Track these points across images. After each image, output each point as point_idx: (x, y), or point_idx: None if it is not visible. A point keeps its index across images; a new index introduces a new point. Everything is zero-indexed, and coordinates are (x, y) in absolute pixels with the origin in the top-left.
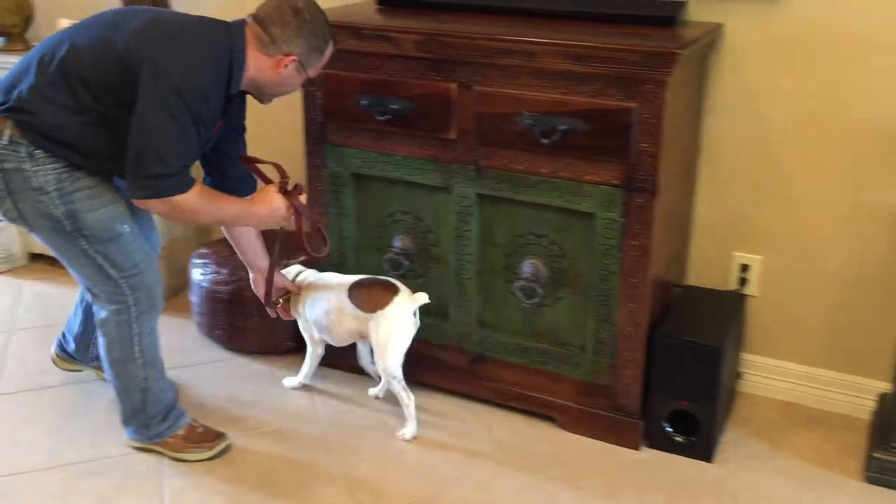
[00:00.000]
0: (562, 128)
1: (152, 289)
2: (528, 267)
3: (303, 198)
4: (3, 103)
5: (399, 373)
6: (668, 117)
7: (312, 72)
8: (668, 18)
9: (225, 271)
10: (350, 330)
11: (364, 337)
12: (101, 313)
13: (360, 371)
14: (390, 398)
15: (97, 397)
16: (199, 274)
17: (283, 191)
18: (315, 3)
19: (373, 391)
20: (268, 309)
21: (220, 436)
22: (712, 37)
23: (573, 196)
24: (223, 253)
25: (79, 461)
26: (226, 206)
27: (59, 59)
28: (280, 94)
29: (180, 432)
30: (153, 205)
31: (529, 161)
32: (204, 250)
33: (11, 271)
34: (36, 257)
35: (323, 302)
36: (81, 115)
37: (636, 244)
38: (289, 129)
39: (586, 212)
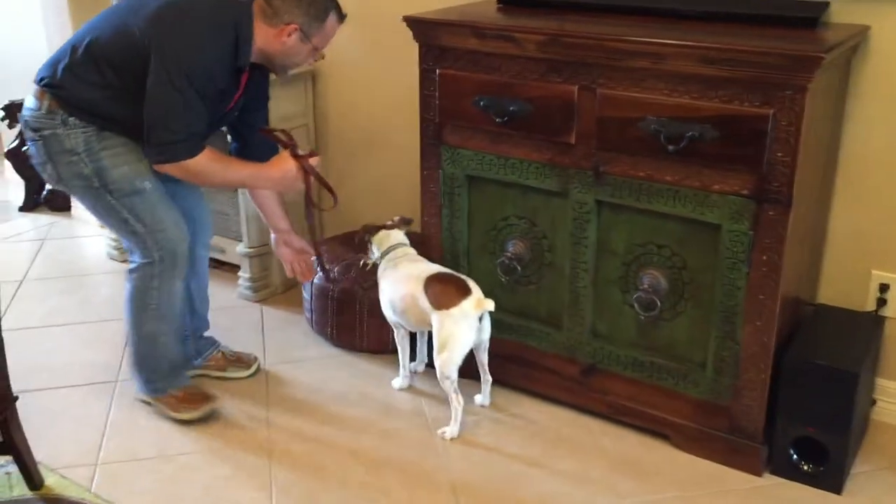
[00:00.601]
0: (690, 134)
1: (176, 249)
2: (646, 278)
3: (314, 160)
4: (43, 79)
5: (454, 374)
6: (807, 125)
7: (317, 41)
8: (809, 20)
9: (336, 269)
10: (420, 319)
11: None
12: (131, 264)
13: (475, 376)
14: (503, 406)
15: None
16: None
17: (295, 154)
18: None
19: (479, 398)
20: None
21: (208, 398)
22: (857, 40)
23: (699, 206)
24: (335, 250)
25: (191, 451)
26: (238, 169)
27: (87, 44)
28: (290, 65)
29: (178, 392)
30: (168, 168)
31: (653, 168)
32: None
33: (267, 300)
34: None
35: (402, 285)
36: (107, 90)
37: (765, 259)
38: (405, 129)
39: (712, 223)
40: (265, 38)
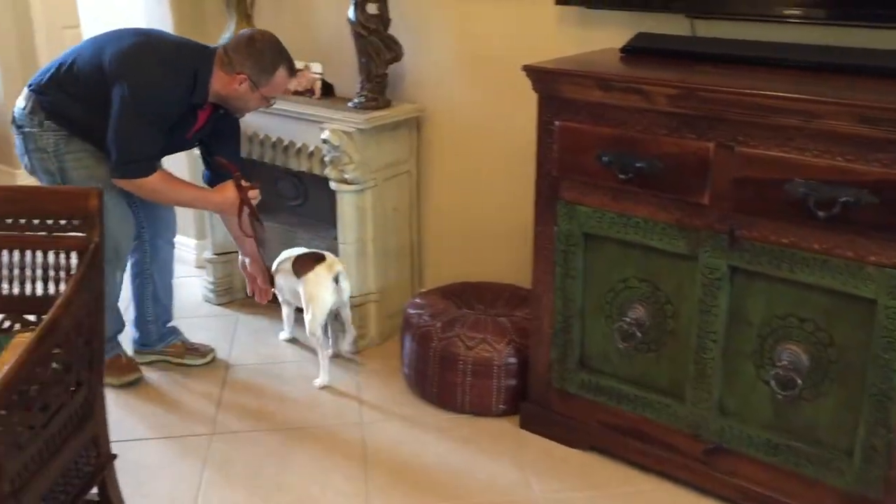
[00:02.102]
0: (844, 199)
1: (119, 244)
2: (786, 353)
3: (253, 193)
4: (32, 85)
5: (318, 331)
6: None
7: (266, 91)
8: None
9: (438, 324)
10: (294, 293)
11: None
12: None
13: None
14: (609, 483)
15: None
16: (412, 324)
17: (238, 185)
18: (270, 35)
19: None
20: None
21: (134, 369)
22: None
23: (851, 278)
24: (439, 305)
25: (294, 426)
26: (184, 191)
27: (70, 63)
28: (243, 108)
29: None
30: (123, 184)
31: (798, 234)
32: (419, 300)
33: (230, 304)
34: None
35: (279, 266)
36: (79, 103)
37: None
38: (516, 181)
39: (866, 297)
40: (221, 82)
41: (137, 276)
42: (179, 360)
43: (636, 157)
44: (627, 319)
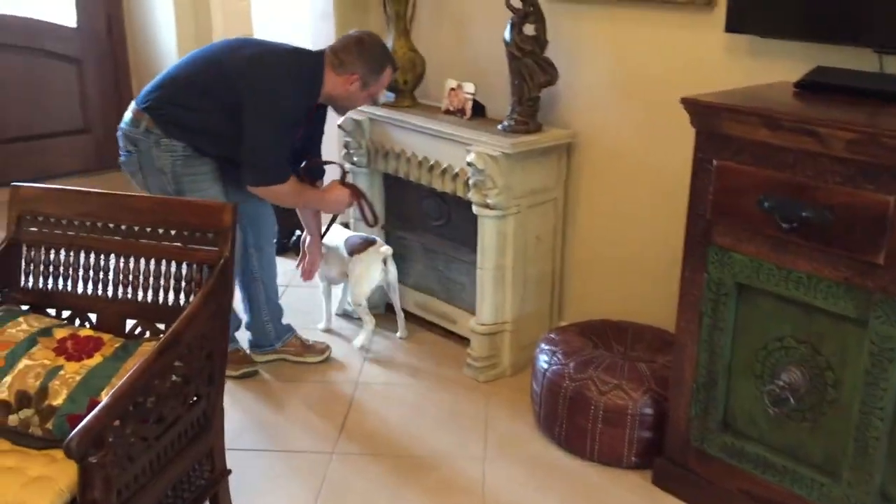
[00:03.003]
0: None
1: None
2: None
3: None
4: (144, 103)
5: (363, 301)
6: None
7: (374, 89)
8: None
9: (571, 364)
10: (341, 271)
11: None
12: None
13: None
14: None
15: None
16: (543, 361)
17: (343, 182)
18: (377, 36)
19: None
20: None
21: (251, 362)
22: None
23: None
24: (575, 342)
25: (416, 453)
26: (308, 195)
27: (185, 76)
28: (350, 106)
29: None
30: (260, 191)
31: None
32: (553, 335)
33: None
34: (392, 308)
35: (335, 251)
36: (197, 116)
37: None
38: (666, 220)
39: None
40: (333, 84)
41: (249, 283)
42: (299, 359)
43: (802, 205)
44: (780, 382)
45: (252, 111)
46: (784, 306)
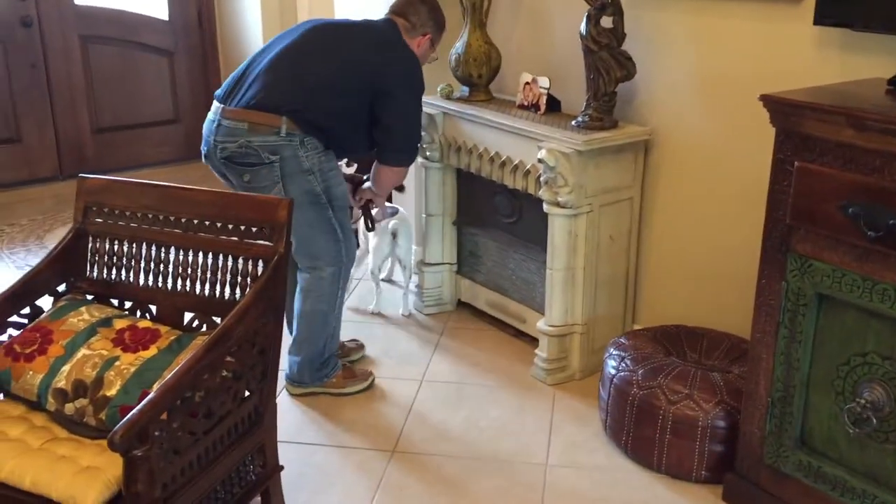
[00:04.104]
0: None
1: (355, 249)
2: None
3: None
4: (281, 106)
5: (376, 271)
6: None
7: (436, 47)
8: None
9: (641, 371)
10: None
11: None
12: (319, 273)
13: None
14: None
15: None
16: (612, 368)
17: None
18: None
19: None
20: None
21: (369, 373)
22: None
23: None
24: (646, 348)
25: (477, 456)
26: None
27: (312, 73)
28: None
29: (340, 372)
30: (400, 172)
31: None
32: (624, 340)
33: (438, 315)
34: (463, 305)
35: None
36: (330, 107)
37: None
38: (744, 223)
39: None
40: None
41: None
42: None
43: (890, 212)
44: (862, 401)
45: (399, 91)
46: (868, 319)
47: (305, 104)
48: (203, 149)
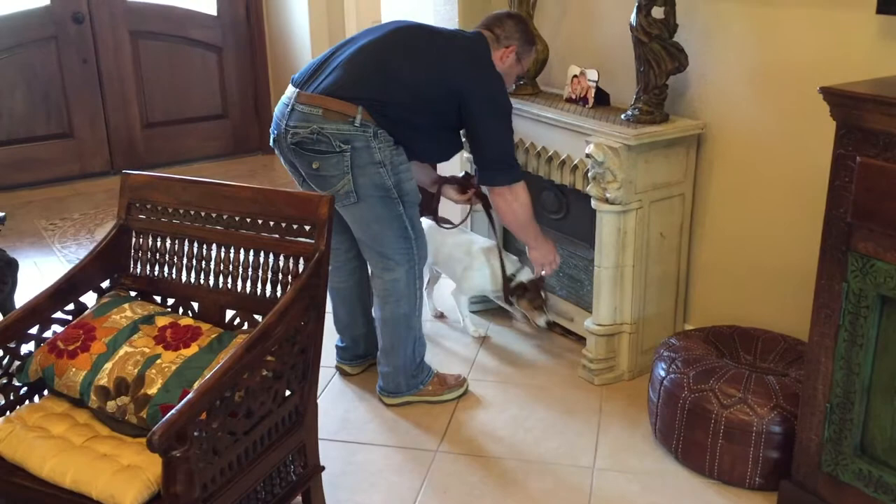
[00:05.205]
0: None
1: (426, 247)
2: None
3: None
4: (359, 97)
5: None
6: None
7: (525, 64)
8: None
9: (692, 373)
10: None
11: None
12: (392, 275)
13: None
14: None
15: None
16: (661, 369)
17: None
18: (521, 14)
19: None
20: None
21: (463, 379)
22: None
23: None
24: (697, 350)
25: (522, 458)
26: (531, 209)
27: (393, 71)
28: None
29: (434, 379)
30: (501, 191)
31: None
32: (674, 341)
33: (483, 312)
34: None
35: None
36: (406, 103)
37: None
38: (803, 220)
39: None
40: (493, 60)
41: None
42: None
43: None
44: None
45: (484, 103)
46: None
47: (382, 97)
48: (273, 132)
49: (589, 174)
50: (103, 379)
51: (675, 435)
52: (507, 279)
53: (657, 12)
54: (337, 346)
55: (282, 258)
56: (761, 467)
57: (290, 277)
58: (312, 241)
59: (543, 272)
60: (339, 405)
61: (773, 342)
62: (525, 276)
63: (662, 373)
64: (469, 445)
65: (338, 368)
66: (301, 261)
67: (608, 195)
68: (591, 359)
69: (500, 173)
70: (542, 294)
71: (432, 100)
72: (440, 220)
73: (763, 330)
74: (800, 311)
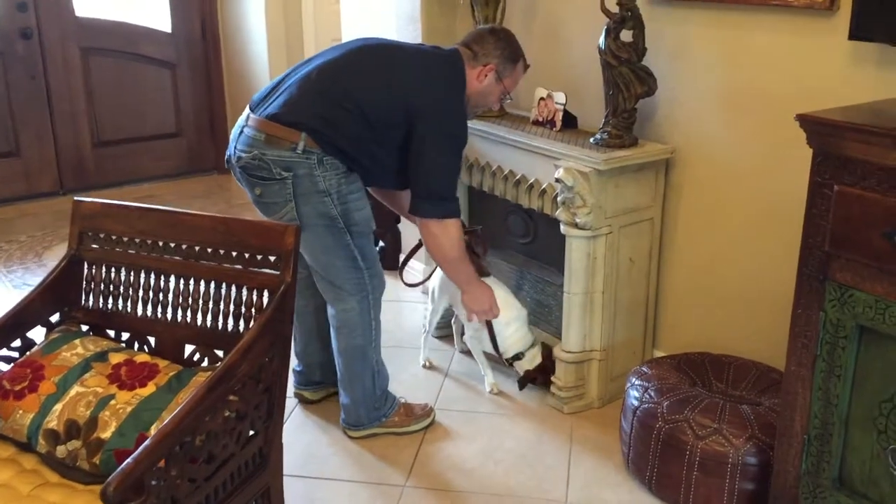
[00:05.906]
0: None
1: (381, 276)
2: None
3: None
4: (293, 118)
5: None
6: None
7: (508, 83)
8: None
9: (666, 403)
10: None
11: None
12: (343, 305)
13: None
14: None
15: None
16: (634, 398)
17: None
18: (507, 29)
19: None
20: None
21: (430, 409)
22: None
23: None
24: (670, 378)
25: (491, 491)
26: (463, 252)
27: (341, 92)
28: (483, 105)
29: (400, 409)
30: (430, 224)
31: None
32: (646, 369)
33: (448, 338)
34: None
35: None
36: (353, 130)
37: None
38: (777, 249)
39: None
40: (469, 80)
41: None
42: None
43: None
44: None
45: (433, 132)
46: None
47: (327, 124)
48: (226, 154)
49: (558, 199)
50: (53, 422)
51: (649, 466)
52: (510, 360)
53: (626, 36)
54: (294, 371)
55: (245, 290)
56: (737, 499)
57: (253, 311)
58: (277, 273)
59: (475, 320)
60: (301, 437)
61: (744, 369)
62: (532, 356)
63: (635, 402)
64: (437, 479)
65: (297, 395)
66: (265, 293)
67: (578, 220)
68: (561, 386)
69: (434, 205)
70: (552, 375)
71: (388, 122)
72: (405, 277)
73: (734, 357)
74: (770, 337)
